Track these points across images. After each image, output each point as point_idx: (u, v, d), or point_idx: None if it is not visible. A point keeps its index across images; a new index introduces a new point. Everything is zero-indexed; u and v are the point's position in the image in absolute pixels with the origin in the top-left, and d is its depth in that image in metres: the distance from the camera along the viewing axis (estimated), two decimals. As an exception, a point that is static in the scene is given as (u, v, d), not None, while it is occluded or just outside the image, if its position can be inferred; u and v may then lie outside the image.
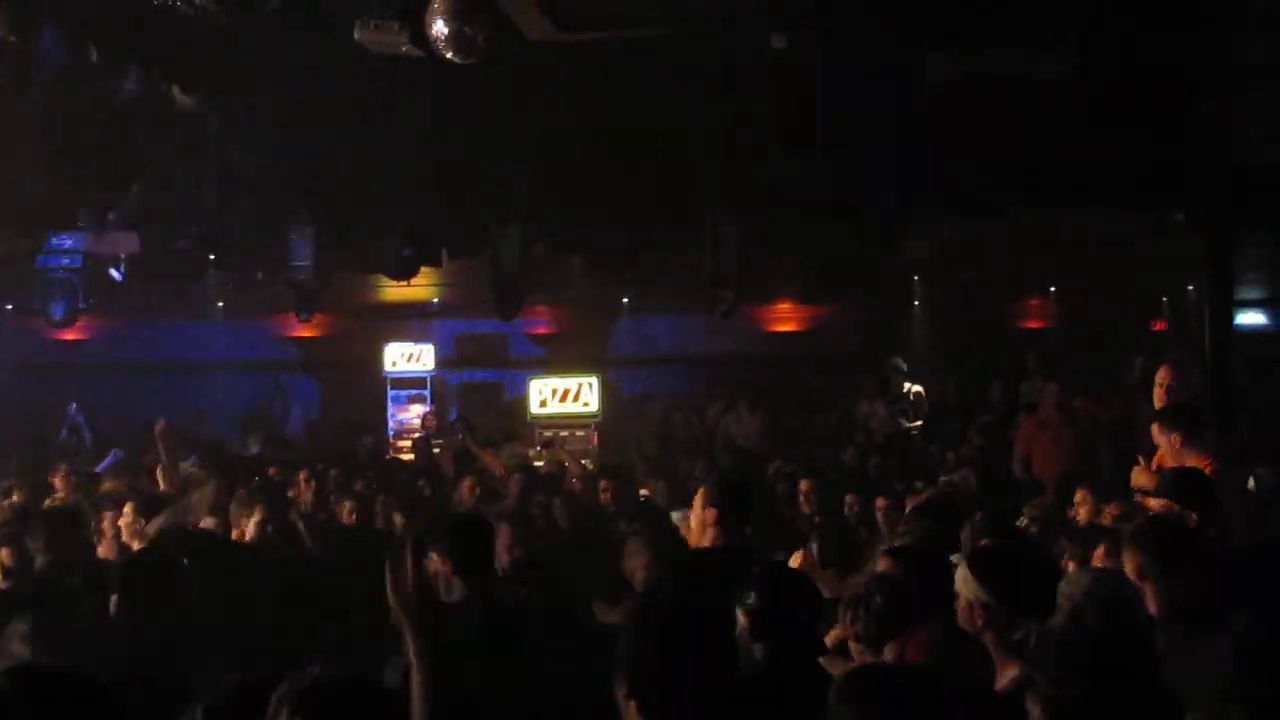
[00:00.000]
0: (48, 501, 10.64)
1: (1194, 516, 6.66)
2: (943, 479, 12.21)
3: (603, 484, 11.59)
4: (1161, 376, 9.05)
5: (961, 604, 4.96)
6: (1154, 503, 7.12)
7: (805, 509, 10.55)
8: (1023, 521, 8.81)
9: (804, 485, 10.82)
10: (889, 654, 4.76)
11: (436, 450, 16.90)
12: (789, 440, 18.16)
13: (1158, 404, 8.65)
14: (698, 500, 6.94)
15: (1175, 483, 7.21)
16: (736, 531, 6.80)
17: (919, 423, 18.63)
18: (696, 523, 6.92)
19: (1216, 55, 10.89)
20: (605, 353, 23.86)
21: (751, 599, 4.87)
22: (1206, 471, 7.60)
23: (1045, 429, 13.79)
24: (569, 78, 11.47)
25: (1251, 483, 10.43)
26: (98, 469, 13.59)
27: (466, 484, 11.78)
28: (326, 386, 24.74)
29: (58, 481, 11.79)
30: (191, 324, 22.97)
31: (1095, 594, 5.00)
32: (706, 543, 6.78)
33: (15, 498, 11.06)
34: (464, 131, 12.54)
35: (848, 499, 10.76)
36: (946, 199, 13.94)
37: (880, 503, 10.10)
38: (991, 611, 4.87)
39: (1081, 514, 8.80)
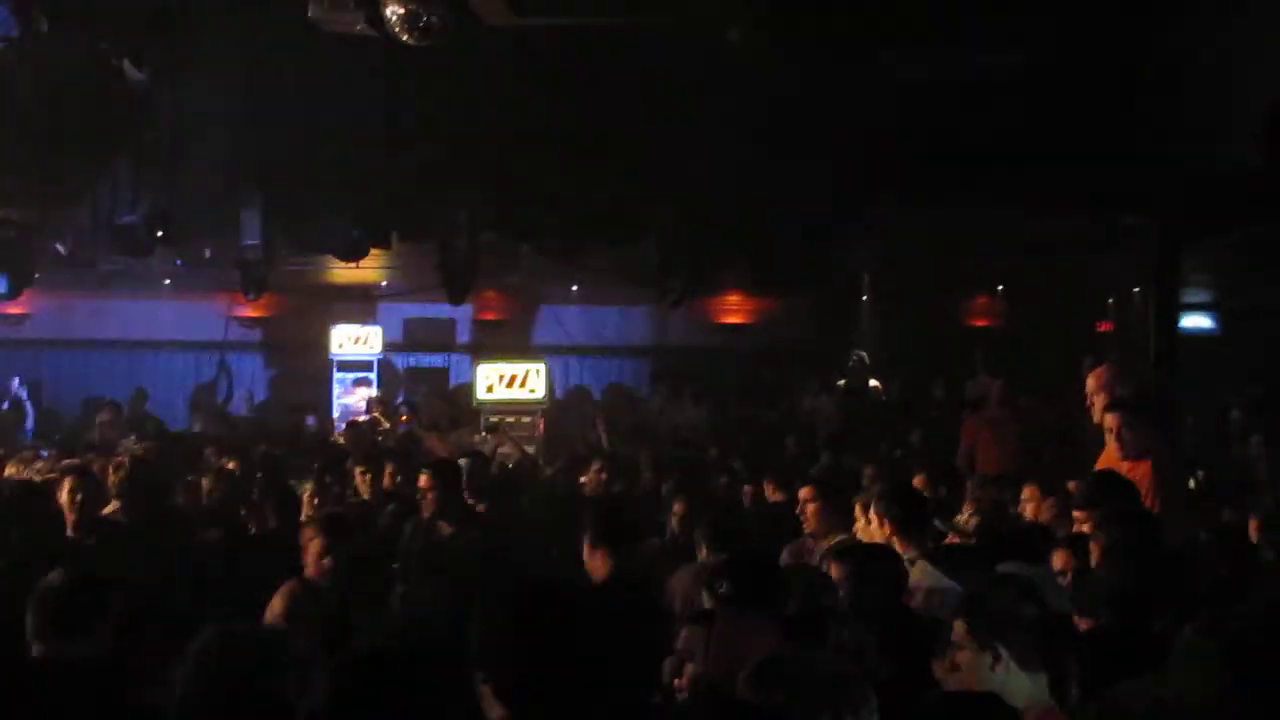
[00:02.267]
0: None
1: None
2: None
3: (596, 464, 11.61)
4: (1094, 382, 8.90)
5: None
6: (1077, 513, 7.04)
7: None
8: (962, 517, 8.86)
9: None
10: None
11: (380, 437, 16.81)
12: (733, 432, 18.18)
13: (1097, 406, 8.63)
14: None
15: (1093, 491, 7.15)
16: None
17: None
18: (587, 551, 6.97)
19: (1165, 58, 10.96)
20: (553, 340, 23.84)
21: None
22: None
23: (990, 426, 13.81)
24: (521, 64, 11.43)
25: (1192, 483, 10.54)
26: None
27: (388, 470, 10.96)
28: (273, 367, 24.61)
29: None
30: (138, 301, 22.78)
31: None
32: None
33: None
34: (415, 114, 12.50)
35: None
36: (895, 196, 14.00)
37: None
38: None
39: (1029, 510, 8.87)
